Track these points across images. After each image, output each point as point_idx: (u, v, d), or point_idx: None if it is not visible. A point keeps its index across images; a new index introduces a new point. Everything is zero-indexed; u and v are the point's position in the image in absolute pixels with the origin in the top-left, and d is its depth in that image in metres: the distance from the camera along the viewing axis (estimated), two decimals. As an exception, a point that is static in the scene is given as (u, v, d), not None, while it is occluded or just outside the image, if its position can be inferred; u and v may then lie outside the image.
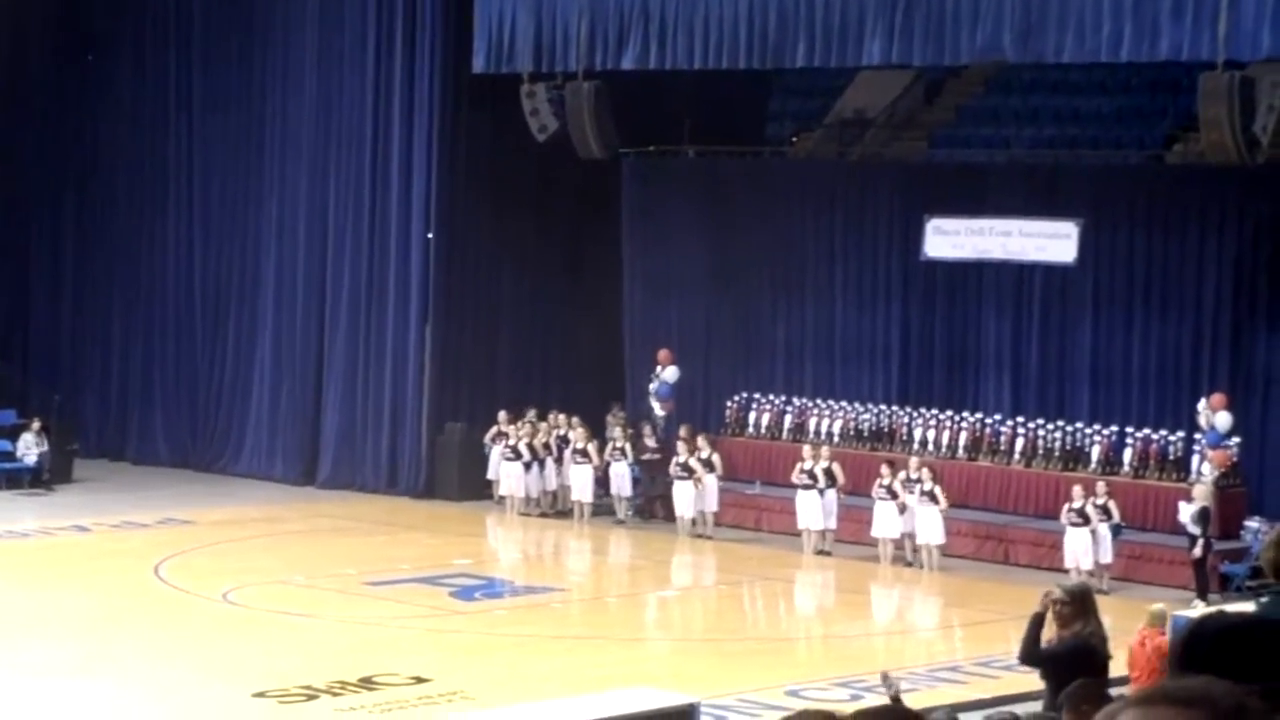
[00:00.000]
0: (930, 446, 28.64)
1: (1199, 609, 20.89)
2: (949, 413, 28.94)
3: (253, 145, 34.01)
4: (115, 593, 24.37)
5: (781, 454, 29.72)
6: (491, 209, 32.32)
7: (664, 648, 23.46)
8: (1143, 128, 29.48)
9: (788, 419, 30.45)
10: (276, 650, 21.24)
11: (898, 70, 29.64)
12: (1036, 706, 12.68)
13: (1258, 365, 26.89)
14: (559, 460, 30.85)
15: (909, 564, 27.12)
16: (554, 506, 31.02)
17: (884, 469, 27.21)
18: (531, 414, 31.18)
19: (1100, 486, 25.81)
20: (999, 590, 24.89)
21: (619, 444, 30.21)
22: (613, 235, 32.37)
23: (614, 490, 30.33)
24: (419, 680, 19.74)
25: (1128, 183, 28.27)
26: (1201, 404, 26.20)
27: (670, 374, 30.78)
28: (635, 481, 30.34)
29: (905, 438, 29.12)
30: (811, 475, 27.89)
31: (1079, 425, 27.73)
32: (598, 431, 30.80)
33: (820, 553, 27.92)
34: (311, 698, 19.03)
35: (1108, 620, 13.16)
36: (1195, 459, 26.29)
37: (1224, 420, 25.83)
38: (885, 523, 27.08)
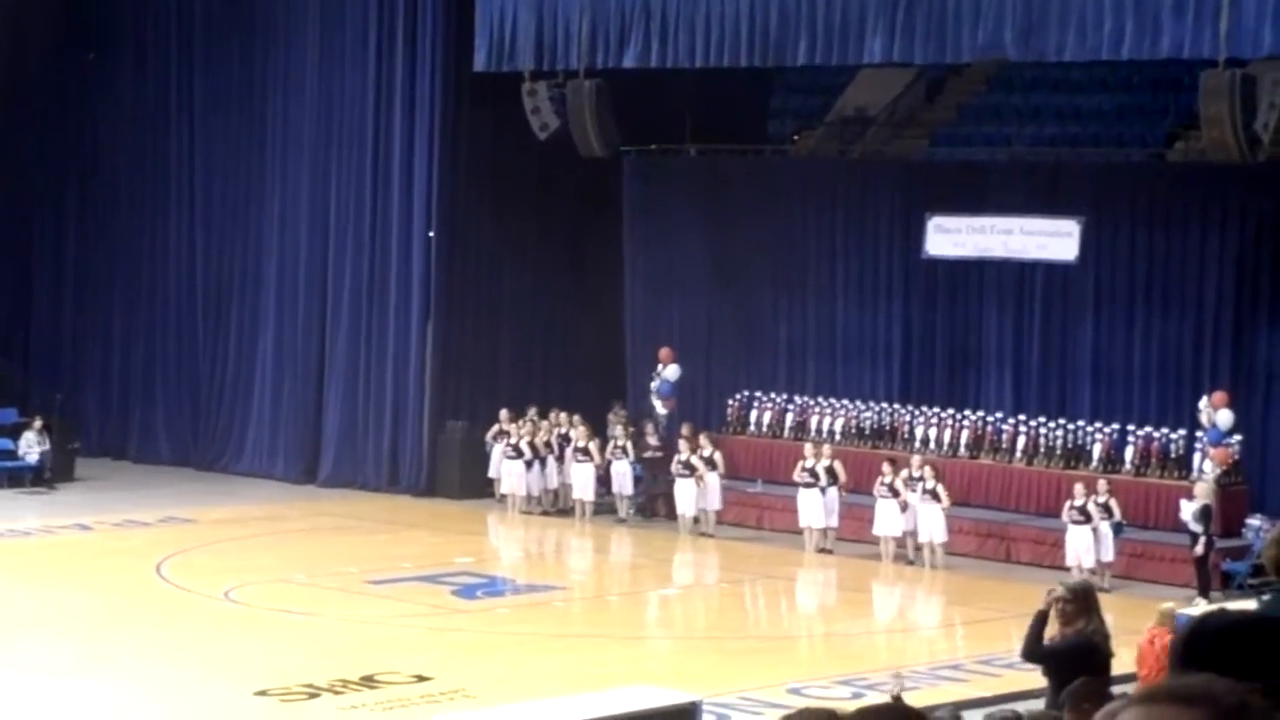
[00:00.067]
0: (932, 445, 28.63)
1: (1201, 607, 20.88)
2: (950, 411, 28.94)
3: (254, 144, 34.02)
4: (117, 591, 24.38)
5: (783, 452, 29.73)
6: (493, 207, 32.33)
7: (665, 646, 23.46)
8: (1144, 126, 29.48)
9: (789, 417, 30.45)
10: (278, 649, 21.24)
11: (899, 68, 29.63)
12: (1039, 705, 12.68)
13: (1259, 363, 26.88)
14: (560, 458, 30.85)
15: (910, 562, 27.12)
16: (555, 505, 31.03)
17: (885, 467, 27.21)
18: (533, 412, 31.18)
19: (1102, 484, 25.81)
20: (1000, 588, 24.89)
21: (620, 442, 30.22)
22: (614, 233, 32.37)
23: (615, 489, 30.32)
24: (420, 679, 19.74)
25: (1129, 181, 28.26)
26: (1203, 402, 26.19)
27: (671, 372, 30.78)
28: (636, 480, 30.34)
29: (907, 436, 29.12)
30: (813, 473, 27.89)
31: (1080, 423, 27.73)
32: (599, 430, 30.80)
33: (822, 551, 27.92)
34: (313, 696, 19.03)
35: (1110, 618, 13.16)
36: (1197, 457, 26.29)
37: (1225, 418, 25.82)
38: (887, 521, 27.07)
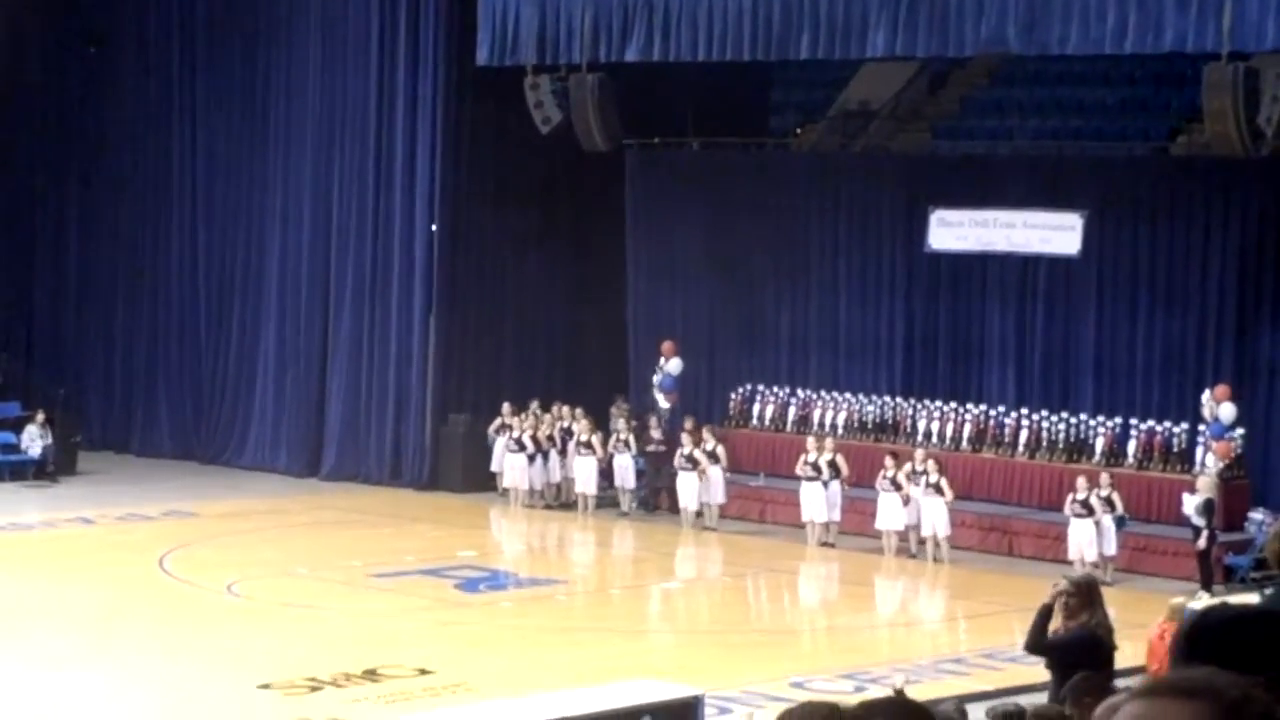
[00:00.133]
0: (934, 438, 28.62)
1: (1203, 600, 20.88)
2: (953, 404, 28.94)
3: (257, 137, 34.01)
4: (120, 585, 24.39)
5: (785, 446, 29.72)
6: (495, 201, 32.33)
7: (668, 640, 23.47)
8: (1147, 119, 29.47)
9: (792, 411, 30.45)
10: (281, 642, 21.25)
11: (902, 62, 29.63)
12: (1041, 698, 12.69)
13: (1262, 357, 26.87)
14: (563, 452, 30.85)
15: (913, 556, 27.12)
16: (558, 498, 31.02)
17: (888, 461, 27.20)
18: (535, 406, 31.17)
19: (1104, 478, 25.79)
20: (1003, 582, 24.89)
21: (623, 436, 30.22)
22: (616, 227, 32.35)
23: (618, 482, 30.32)
24: (423, 672, 19.74)
25: (1132, 174, 28.25)
26: (1205, 395, 26.18)
27: (674, 366, 30.77)
28: (639, 473, 30.34)
29: (909, 430, 29.12)
30: (815, 467, 27.88)
31: (1083, 417, 27.72)
32: (602, 423, 30.80)
33: (824, 545, 27.91)
34: (316, 689, 19.03)
35: (1112, 612, 13.16)
36: (1199, 450, 26.27)
37: (1228, 412, 25.80)
38: (889, 515, 27.07)
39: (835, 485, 27.89)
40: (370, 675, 19.58)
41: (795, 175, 31.34)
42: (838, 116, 32.17)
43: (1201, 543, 24.52)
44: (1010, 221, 28.48)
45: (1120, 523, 25.58)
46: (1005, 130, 30.44)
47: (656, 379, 30.91)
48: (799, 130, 32.73)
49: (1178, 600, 17.89)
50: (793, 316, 31.05)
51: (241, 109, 34.15)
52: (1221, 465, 25.62)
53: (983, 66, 31.17)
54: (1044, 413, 28.02)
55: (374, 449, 32.65)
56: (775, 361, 31.19)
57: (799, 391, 30.56)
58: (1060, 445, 27.68)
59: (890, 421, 29.47)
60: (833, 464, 27.89)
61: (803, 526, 28.12)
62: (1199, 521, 24.56)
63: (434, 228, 31.99)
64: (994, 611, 23.36)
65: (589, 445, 30.21)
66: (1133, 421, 27.25)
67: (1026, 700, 11.87)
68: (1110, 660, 12.39)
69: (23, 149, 36.25)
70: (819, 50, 26.40)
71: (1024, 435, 28.06)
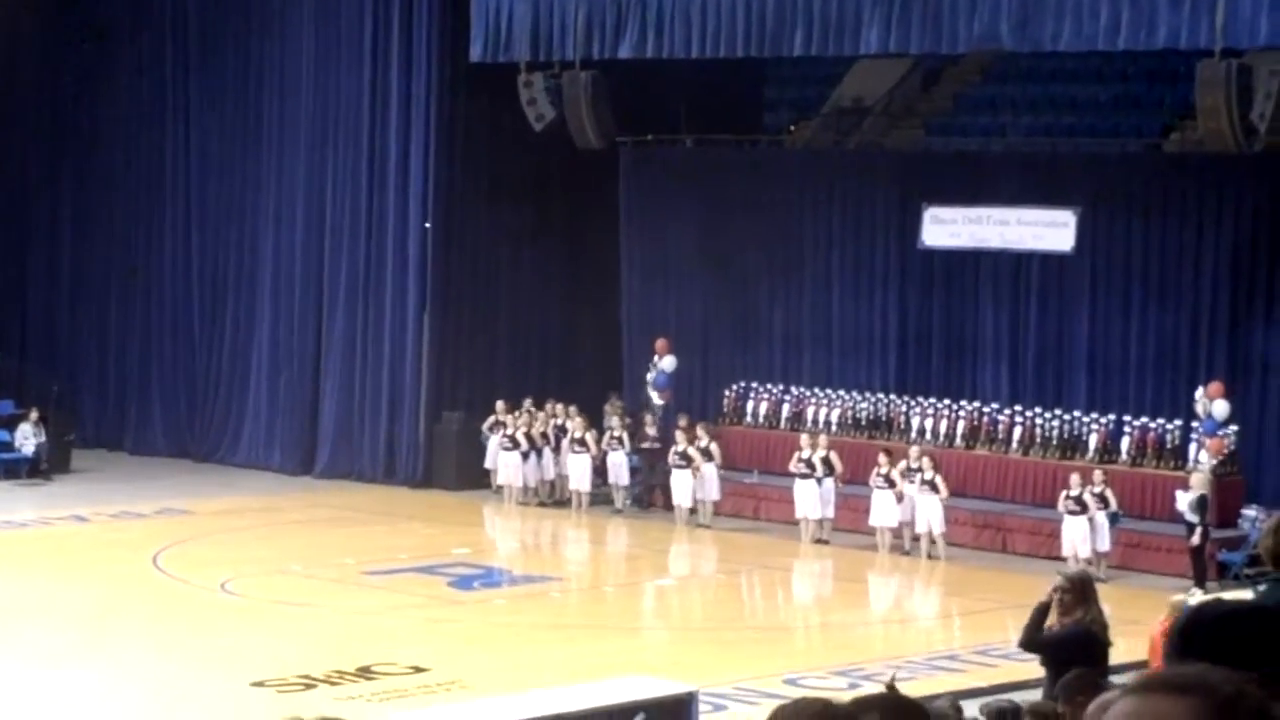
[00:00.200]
0: (928, 435, 28.63)
1: (1197, 597, 20.89)
2: (946, 402, 28.95)
3: (250, 135, 34.00)
4: (113, 583, 24.37)
5: (779, 443, 29.73)
6: (489, 198, 32.32)
7: (662, 637, 23.48)
8: (1140, 116, 29.48)
9: (785, 408, 30.46)
10: (275, 640, 21.24)
11: (895, 59, 29.62)
12: (1035, 695, 12.69)
13: (1255, 353, 26.89)
14: (557, 449, 30.84)
15: (907, 553, 27.12)
16: (552, 496, 31.02)
17: (881, 458, 27.20)
18: (529, 403, 31.17)
19: (1098, 475, 25.81)
20: (997, 579, 24.90)
21: (617, 433, 30.21)
22: (610, 224, 32.35)
23: (612, 479, 30.32)
24: (417, 670, 19.74)
25: (1125, 171, 28.26)
26: (1199, 392, 26.19)
27: (668, 363, 30.77)
28: (633, 471, 30.34)
29: (903, 427, 29.13)
30: (809, 464, 27.88)
31: (1076, 414, 27.73)
32: (596, 421, 30.79)
33: (818, 542, 27.92)
34: (309, 687, 19.02)
35: (1106, 608, 13.17)
36: (1193, 447, 26.29)
37: (1221, 408, 25.82)
38: (883, 512, 27.08)
39: (829, 482, 27.89)
40: (364, 673, 19.58)
41: (789, 172, 31.34)
42: (831, 113, 32.18)
43: (1195, 539, 24.55)
44: (1004, 218, 28.49)
45: (1114, 519, 25.58)
46: (998, 127, 30.45)
47: (650, 376, 30.91)
48: (792, 127, 32.72)
49: (1178, 597, 17.87)
50: (786, 313, 31.05)
51: (235, 106, 34.13)
52: (1215, 461, 25.64)
53: (976, 63, 31.18)
54: (1038, 409, 28.03)
55: (368, 447, 32.64)
56: (769, 358, 31.20)
57: (793, 388, 30.57)
58: (1054, 442, 27.69)
59: (884, 418, 29.48)
60: (826, 461, 27.89)
61: (797, 523, 28.13)
62: (1193, 518, 24.59)
63: (427, 225, 31.97)
64: (988, 608, 23.37)
65: (583, 442, 30.20)
66: (1126, 418, 27.27)
67: (1021, 697, 11.87)
68: (1105, 657, 12.39)
69: (16, 147, 36.20)
70: (812, 47, 26.41)
71: (1018, 432, 28.07)
